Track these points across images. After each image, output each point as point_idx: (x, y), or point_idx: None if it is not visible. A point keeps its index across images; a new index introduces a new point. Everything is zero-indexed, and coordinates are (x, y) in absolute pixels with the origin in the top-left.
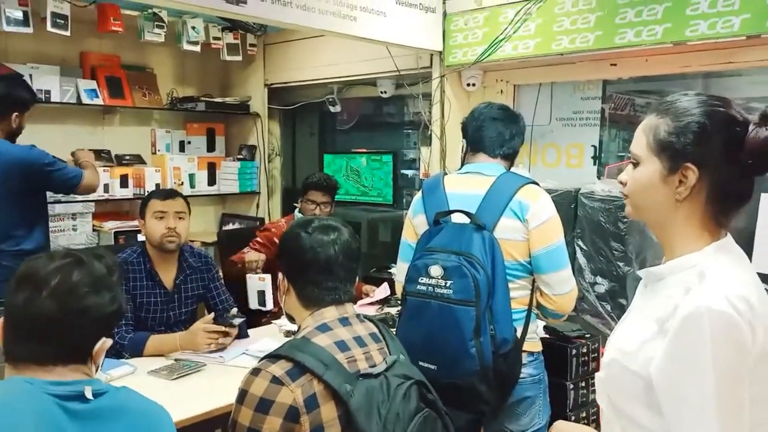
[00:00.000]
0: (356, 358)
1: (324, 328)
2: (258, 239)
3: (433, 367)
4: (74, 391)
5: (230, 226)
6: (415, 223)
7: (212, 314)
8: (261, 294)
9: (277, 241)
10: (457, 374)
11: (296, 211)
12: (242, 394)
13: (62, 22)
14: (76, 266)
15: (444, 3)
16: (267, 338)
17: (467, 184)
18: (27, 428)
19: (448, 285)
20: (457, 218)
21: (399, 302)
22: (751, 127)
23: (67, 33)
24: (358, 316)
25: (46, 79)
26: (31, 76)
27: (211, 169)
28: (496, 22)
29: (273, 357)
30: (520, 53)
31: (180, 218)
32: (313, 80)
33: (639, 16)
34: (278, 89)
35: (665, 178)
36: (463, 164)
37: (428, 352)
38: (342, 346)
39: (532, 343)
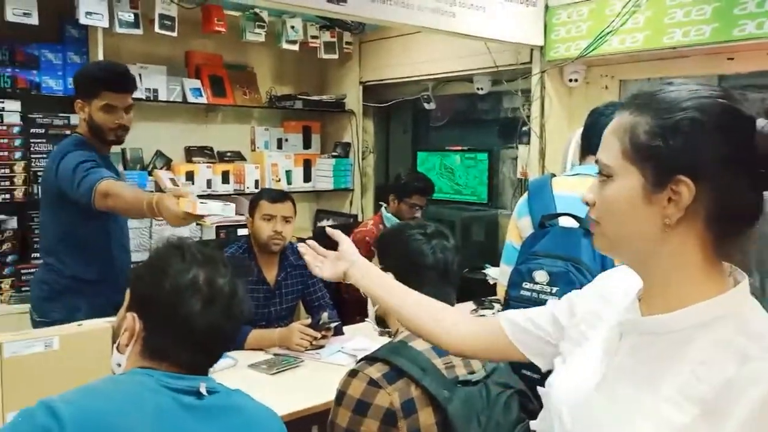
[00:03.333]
0: (454, 364)
1: None
2: None
3: (536, 376)
4: (191, 386)
5: (324, 223)
6: (520, 225)
7: (310, 320)
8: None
9: (369, 241)
10: None
11: (384, 209)
12: (340, 396)
13: (169, 23)
14: (236, 275)
15: None
16: (361, 336)
17: (577, 186)
18: (146, 421)
19: (553, 291)
20: (565, 222)
21: (501, 306)
22: (760, 123)
23: (174, 34)
24: None
25: (153, 78)
26: (140, 75)
27: (307, 166)
28: (602, 14)
29: (371, 359)
30: (627, 47)
31: (287, 221)
32: (408, 77)
33: (761, 6)
34: (373, 87)
35: (649, 195)
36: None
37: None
38: (440, 351)
39: None
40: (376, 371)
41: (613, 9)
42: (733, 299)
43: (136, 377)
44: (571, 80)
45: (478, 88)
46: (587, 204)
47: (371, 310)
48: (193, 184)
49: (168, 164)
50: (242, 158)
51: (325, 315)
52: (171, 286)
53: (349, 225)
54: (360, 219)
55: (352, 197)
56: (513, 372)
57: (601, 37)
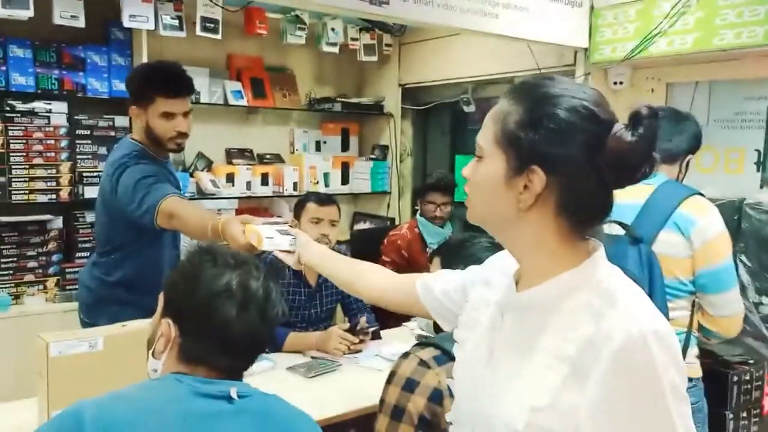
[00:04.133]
0: None
1: None
2: (384, 257)
3: None
4: (222, 391)
5: (361, 225)
6: None
7: (347, 323)
8: None
9: (400, 245)
10: None
11: (418, 214)
12: (391, 375)
13: (212, 26)
14: (270, 277)
15: None
16: (399, 341)
17: (623, 193)
18: (170, 427)
19: None
20: (611, 229)
21: None
22: (615, 128)
23: (218, 36)
24: None
25: (196, 80)
26: None
27: (345, 168)
28: (649, 15)
29: (423, 344)
30: (676, 49)
31: (333, 225)
32: (447, 80)
33: None
34: (412, 89)
35: (509, 179)
36: None
37: None
38: None
39: (692, 369)
40: (426, 353)
41: (662, 10)
42: (587, 268)
43: (165, 383)
44: (616, 83)
45: None
46: (464, 178)
47: None
48: (233, 186)
49: (209, 166)
50: (281, 160)
51: (363, 320)
52: (205, 291)
53: (385, 228)
54: (397, 222)
55: (389, 200)
56: None
57: (648, 39)
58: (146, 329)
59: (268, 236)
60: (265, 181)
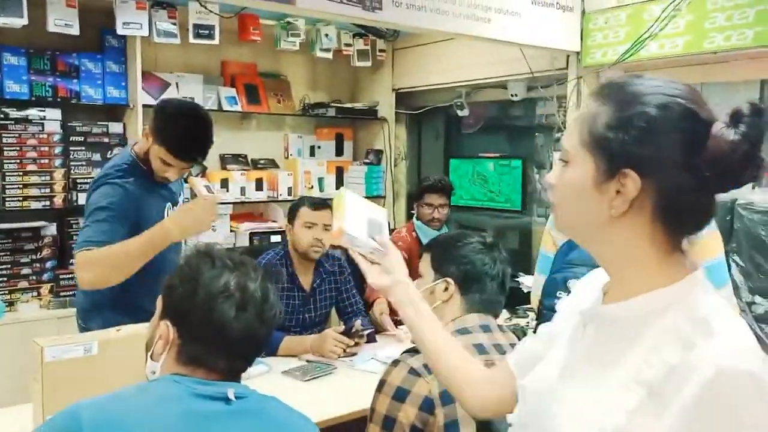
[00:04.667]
0: (495, 363)
1: (464, 331)
2: None
3: None
4: (219, 392)
5: None
6: (554, 234)
7: (342, 326)
8: None
9: (401, 246)
10: None
11: (414, 218)
12: (381, 384)
13: (206, 32)
14: (267, 279)
15: (582, 1)
16: (394, 344)
17: None
18: (167, 427)
19: None
20: None
21: (531, 314)
22: (715, 127)
23: (213, 42)
24: (500, 326)
25: (190, 87)
26: (177, 84)
27: (339, 173)
28: (640, 19)
29: (412, 351)
30: (666, 52)
31: (326, 229)
32: (441, 84)
33: None
34: (405, 94)
35: (599, 185)
36: None
37: None
38: (480, 349)
39: None
40: (416, 361)
41: (652, 14)
42: (683, 288)
43: (163, 384)
44: None
45: (512, 95)
46: (548, 186)
47: None
48: (227, 191)
49: (203, 171)
50: (275, 165)
51: (358, 322)
52: (203, 293)
53: None
54: (392, 226)
55: (383, 204)
56: None
57: (639, 42)
58: (141, 333)
59: (352, 224)
60: (259, 186)
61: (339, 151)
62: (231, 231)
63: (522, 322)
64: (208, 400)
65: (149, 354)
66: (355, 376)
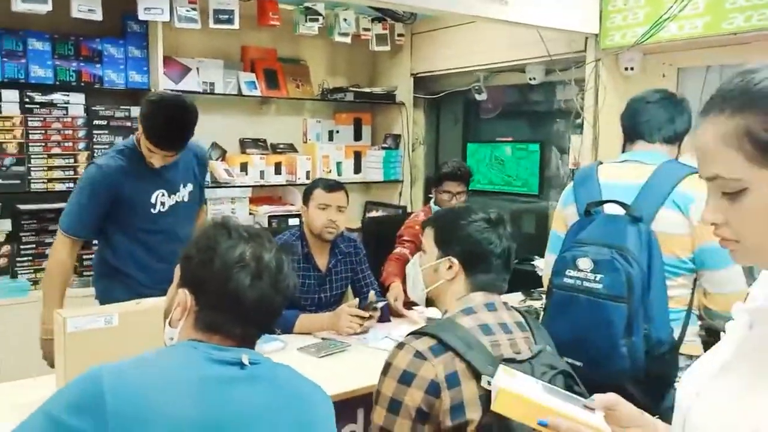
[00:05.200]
0: (500, 343)
1: (469, 311)
2: (404, 237)
3: (579, 363)
4: (234, 357)
5: (373, 213)
6: (565, 214)
7: (356, 300)
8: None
9: (420, 233)
10: (605, 373)
11: (432, 202)
12: (387, 367)
13: (225, 17)
14: (282, 251)
15: None
16: (408, 324)
17: (624, 174)
18: (186, 390)
19: (597, 279)
20: (611, 209)
21: (544, 295)
22: None
23: (233, 27)
24: (505, 304)
25: (211, 72)
26: (198, 69)
27: (357, 157)
28: (659, 0)
29: (417, 334)
30: (686, 34)
31: (340, 211)
32: (459, 68)
33: None
34: (423, 78)
35: None
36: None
37: (575, 348)
38: (486, 329)
39: (692, 346)
40: (422, 344)
41: None
42: None
43: (181, 349)
44: (627, 69)
45: (530, 78)
46: (714, 225)
47: (419, 290)
48: (247, 175)
49: (223, 155)
50: (294, 150)
51: (372, 293)
52: (220, 262)
53: (398, 216)
54: (409, 210)
55: (401, 188)
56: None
57: (658, 24)
58: (160, 306)
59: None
60: (278, 170)
61: (357, 136)
62: (250, 214)
63: (536, 304)
64: (223, 365)
65: (168, 321)
66: (368, 354)
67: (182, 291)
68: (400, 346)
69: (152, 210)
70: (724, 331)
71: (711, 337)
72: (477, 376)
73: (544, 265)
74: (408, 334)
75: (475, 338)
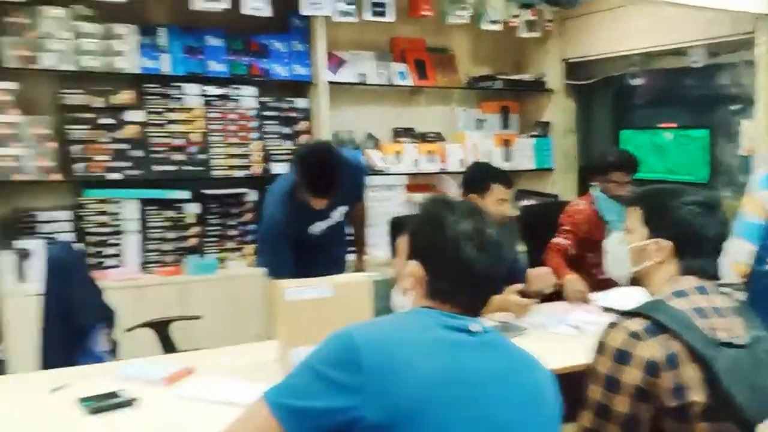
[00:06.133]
0: (716, 327)
1: (680, 294)
2: (564, 227)
3: None
4: (463, 325)
5: (524, 202)
6: (763, 199)
7: (519, 285)
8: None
9: (581, 221)
10: None
11: (593, 190)
12: (600, 346)
13: (380, 9)
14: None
15: None
16: (582, 310)
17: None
18: (424, 350)
19: None
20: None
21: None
22: None
23: (389, 19)
24: (718, 287)
25: (363, 63)
26: (350, 61)
27: (506, 146)
28: None
29: (630, 314)
30: None
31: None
32: (613, 53)
33: None
34: (573, 64)
35: None
36: None
37: None
38: (701, 312)
39: None
40: (636, 324)
41: None
42: None
43: (416, 314)
44: None
45: (692, 62)
46: None
47: (624, 269)
48: (400, 163)
49: (376, 144)
50: (442, 139)
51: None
52: (450, 235)
53: (549, 205)
54: (561, 199)
55: (553, 177)
56: None
57: None
58: (367, 281)
59: None
60: (429, 158)
61: (505, 124)
62: (407, 201)
63: (740, 294)
64: (455, 331)
65: (402, 290)
66: (548, 339)
67: (413, 263)
68: (612, 325)
69: (308, 232)
70: None
71: None
72: (697, 358)
73: (730, 250)
74: (620, 315)
75: (691, 320)
